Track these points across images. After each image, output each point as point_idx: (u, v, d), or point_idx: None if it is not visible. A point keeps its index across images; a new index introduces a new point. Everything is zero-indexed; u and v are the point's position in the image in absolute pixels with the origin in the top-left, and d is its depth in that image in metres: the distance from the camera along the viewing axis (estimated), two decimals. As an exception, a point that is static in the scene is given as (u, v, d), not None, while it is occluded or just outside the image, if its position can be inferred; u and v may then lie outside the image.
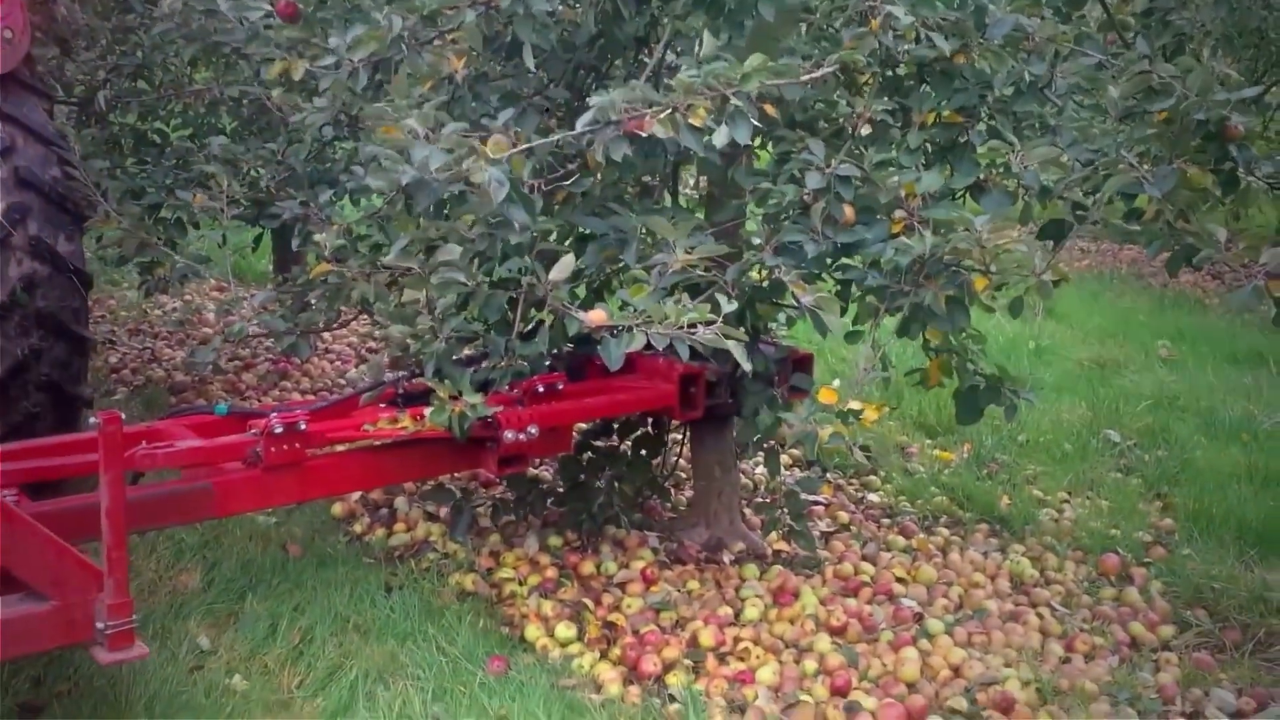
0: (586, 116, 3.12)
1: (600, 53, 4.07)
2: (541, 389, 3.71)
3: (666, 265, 3.21)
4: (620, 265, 3.65)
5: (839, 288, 3.63)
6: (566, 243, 3.81)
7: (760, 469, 5.14)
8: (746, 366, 3.10)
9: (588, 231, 3.69)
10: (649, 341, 3.01)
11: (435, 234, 3.32)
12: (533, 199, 3.31)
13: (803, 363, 4.14)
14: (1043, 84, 3.59)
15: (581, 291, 4.04)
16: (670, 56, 3.81)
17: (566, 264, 3.19)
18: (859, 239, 3.37)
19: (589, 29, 3.81)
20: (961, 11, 3.49)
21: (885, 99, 3.52)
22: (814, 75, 3.29)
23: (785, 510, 4.13)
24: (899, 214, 3.36)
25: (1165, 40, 3.78)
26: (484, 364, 3.65)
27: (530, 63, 3.50)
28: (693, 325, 2.97)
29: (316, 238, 3.80)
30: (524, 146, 3.14)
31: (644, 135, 3.08)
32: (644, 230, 3.57)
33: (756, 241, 3.54)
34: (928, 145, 3.66)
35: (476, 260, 3.40)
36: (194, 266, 4.27)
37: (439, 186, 3.05)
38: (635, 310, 3.04)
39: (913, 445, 5.63)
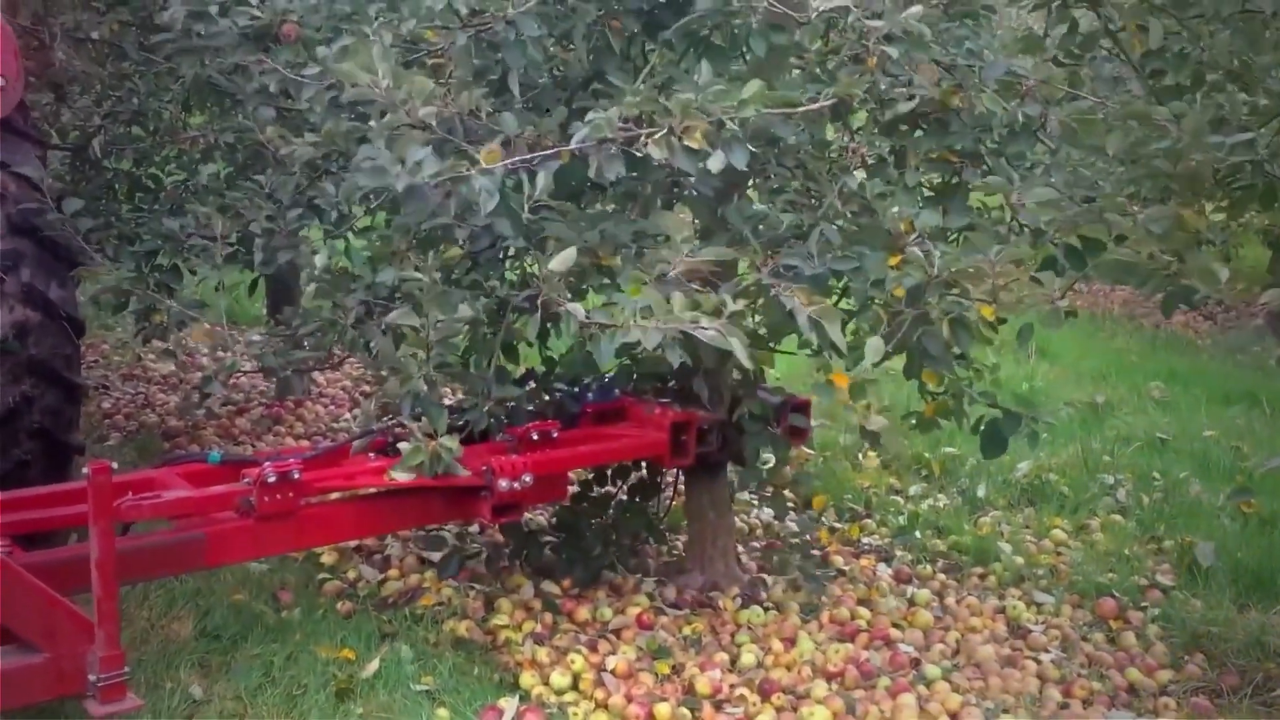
0: (581, 132, 3.06)
1: (594, 95, 4.06)
2: (536, 436, 3.71)
3: (669, 266, 3.11)
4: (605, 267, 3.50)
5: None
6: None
7: (755, 513, 5.13)
8: (748, 364, 2.97)
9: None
10: (643, 349, 2.90)
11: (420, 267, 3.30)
12: (520, 214, 3.24)
13: (801, 406, 4.14)
14: (1035, 127, 3.60)
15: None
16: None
17: (568, 256, 3.10)
18: (856, 265, 3.32)
19: (582, 66, 3.79)
20: (958, 51, 3.50)
21: (880, 142, 3.51)
22: (810, 107, 3.24)
23: (794, 554, 4.08)
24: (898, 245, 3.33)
25: (1183, 77, 3.74)
26: (465, 412, 3.61)
27: (516, 90, 3.44)
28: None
29: (315, 259, 3.77)
30: (519, 159, 3.08)
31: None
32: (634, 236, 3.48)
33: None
34: (923, 186, 3.65)
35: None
36: (189, 313, 4.25)
37: (431, 194, 2.98)
38: (632, 308, 2.94)
39: (909, 489, 5.62)
